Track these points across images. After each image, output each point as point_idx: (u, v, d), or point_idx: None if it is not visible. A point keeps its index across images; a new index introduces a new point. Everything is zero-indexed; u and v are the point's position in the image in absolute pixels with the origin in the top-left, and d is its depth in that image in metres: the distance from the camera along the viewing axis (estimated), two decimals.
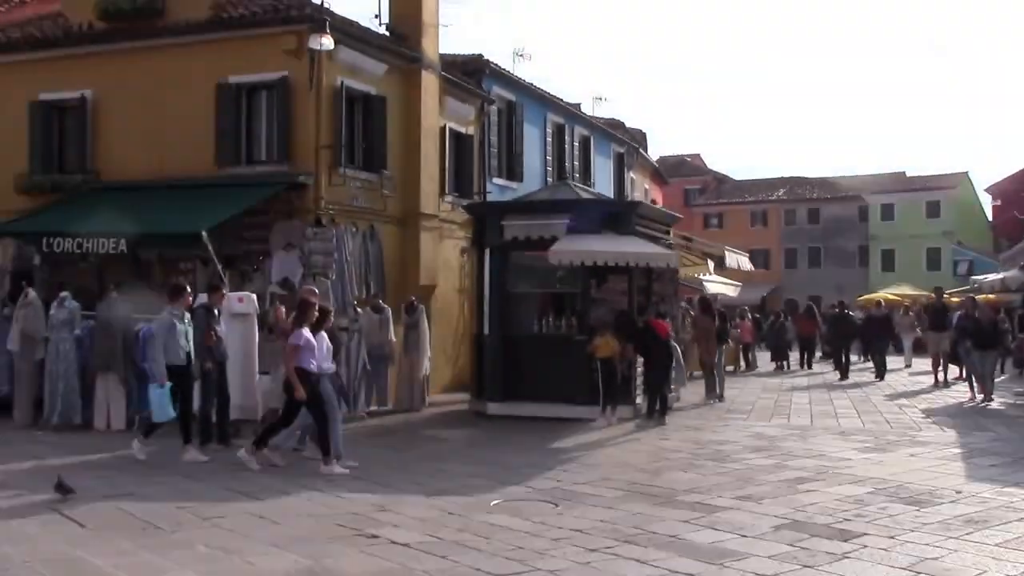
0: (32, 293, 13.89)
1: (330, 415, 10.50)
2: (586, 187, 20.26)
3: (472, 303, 19.37)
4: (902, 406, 17.36)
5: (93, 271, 16.35)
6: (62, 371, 13.22)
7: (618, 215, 15.99)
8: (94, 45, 17.37)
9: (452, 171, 20.25)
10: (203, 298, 12.99)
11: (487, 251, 16.51)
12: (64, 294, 13.73)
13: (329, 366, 10.96)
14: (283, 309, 12.21)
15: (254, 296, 13.92)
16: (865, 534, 7.57)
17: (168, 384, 10.65)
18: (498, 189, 21.99)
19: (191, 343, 11.17)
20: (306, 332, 10.37)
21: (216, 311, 11.91)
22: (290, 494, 9.09)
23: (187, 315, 11.24)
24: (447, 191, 19.80)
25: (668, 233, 18.20)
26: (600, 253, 14.67)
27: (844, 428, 14.32)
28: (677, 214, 20.80)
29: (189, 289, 11.53)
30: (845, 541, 7.36)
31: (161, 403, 10.63)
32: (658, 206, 29.01)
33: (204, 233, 13.62)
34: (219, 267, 14.11)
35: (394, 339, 16.07)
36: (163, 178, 16.50)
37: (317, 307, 10.74)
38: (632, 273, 15.38)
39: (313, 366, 10.38)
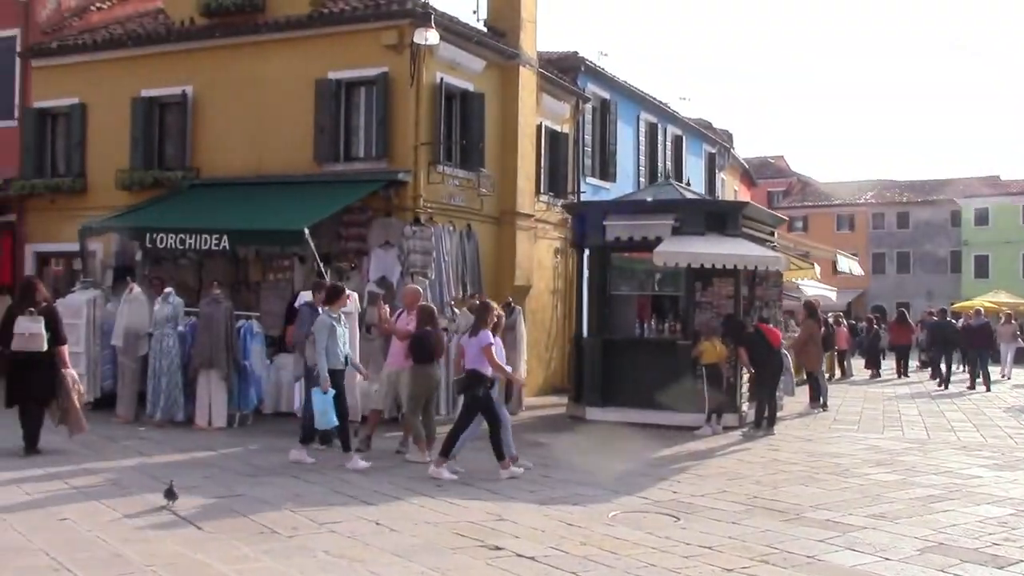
0: (137, 288, 13.89)
1: (502, 422, 10.36)
2: (687, 187, 19.73)
3: (567, 305, 19.04)
4: (1022, 420, 16.52)
5: (192, 267, 16.41)
6: (165, 367, 13.18)
7: (724, 216, 15.39)
8: (195, 41, 17.38)
9: (547, 170, 19.93)
10: (304, 296, 12.95)
11: (586, 252, 16.16)
12: (168, 290, 13.69)
13: (507, 369, 10.85)
14: (387, 308, 11.99)
15: (355, 295, 13.78)
16: (1021, 561, 7.05)
17: (332, 391, 10.32)
18: (592, 189, 21.61)
19: (348, 346, 10.98)
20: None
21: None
22: (402, 499, 8.86)
23: (343, 317, 11.04)
24: (542, 190, 19.49)
25: (773, 235, 17.63)
26: (707, 255, 14.17)
27: (965, 442, 13.61)
28: (782, 215, 20.17)
29: (347, 291, 11.33)
30: (1000, 569, 6.86)
31: (324, 409, 10.26)
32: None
33: (306, 230, 13.48)
34: (320, 265, 13.98)
35: None
36: (262, 175, 16.46)
37: (495, 312, 10.53)
38: (738, 276, 14.84)
39: (490, 370, 10.20)
